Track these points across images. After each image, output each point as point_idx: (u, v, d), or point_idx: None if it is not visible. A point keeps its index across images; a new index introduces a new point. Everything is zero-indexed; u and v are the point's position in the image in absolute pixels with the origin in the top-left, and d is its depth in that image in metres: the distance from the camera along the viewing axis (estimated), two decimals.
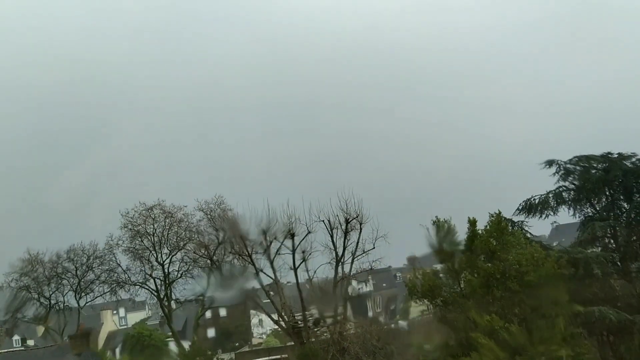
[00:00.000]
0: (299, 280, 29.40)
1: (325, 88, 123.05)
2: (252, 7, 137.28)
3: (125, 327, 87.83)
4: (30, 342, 72.90)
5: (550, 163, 25.12)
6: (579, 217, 25.23)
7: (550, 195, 24.84)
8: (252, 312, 68.46)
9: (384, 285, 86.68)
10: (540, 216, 24.69)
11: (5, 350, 54.02)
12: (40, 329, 64.85)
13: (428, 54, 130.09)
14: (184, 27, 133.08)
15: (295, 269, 28.67)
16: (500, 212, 19.67)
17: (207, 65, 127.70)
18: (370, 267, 29.95)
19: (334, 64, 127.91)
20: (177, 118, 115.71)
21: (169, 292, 44.55)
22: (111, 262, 44.52)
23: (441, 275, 20.30)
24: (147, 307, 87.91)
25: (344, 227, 28.77)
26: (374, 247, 28.47)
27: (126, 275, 44.20)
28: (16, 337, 76.13)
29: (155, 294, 44.50)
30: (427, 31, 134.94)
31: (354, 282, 38.10)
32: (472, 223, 19.36)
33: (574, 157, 25.09)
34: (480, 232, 19.07)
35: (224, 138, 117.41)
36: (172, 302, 45.82)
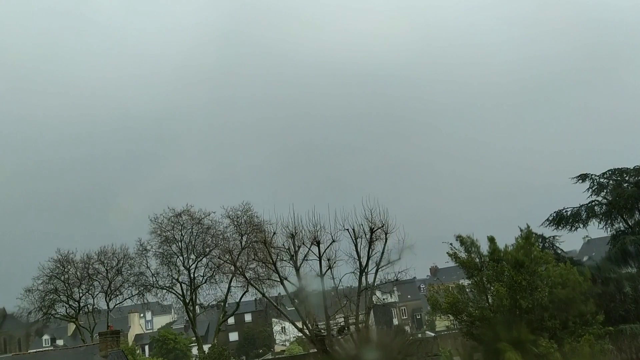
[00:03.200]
0: (324, 288, 29.36)
1: (356, 104, 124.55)
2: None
3: (151, 330, 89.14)
4: (60, 342, 74.65)
5: (583, 177, 24.59)
6: (610, 231, 24.71)
7: (583, 208, 24.39)
8: (274, 320, 68.69)
9: (409, 296, 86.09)
10: (571, 229, 24.27)
11: (35, 350, 55.49)
12: (71, 328, 66.05)
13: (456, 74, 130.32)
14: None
15: (321, 276, 28.65)
16: (529, 227, 19.46)
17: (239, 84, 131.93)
18: (395, 277, 29.75)
19: (368, 84, 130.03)
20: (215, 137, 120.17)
21: (194, 296, 45.05)
22: (141, 266, 45.27)
23: (468, 290, 20.08)
24: (172, 311, 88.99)
25: (368, 236, 28.65)
26: (399, 258, 28.26)
27: (154, 278, 44.88)
28: (46, 337, 78.11)
29: (181, 298, 45.04)
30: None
31: (378, 293, 37.91)
32: (492, 240, 19.18)
33: (608, 170, 24.59)
34: (505, 247, 18.87)
35: (253, 152, 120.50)
36: (197, 307, 46.22)
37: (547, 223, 24.56)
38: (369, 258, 28.67)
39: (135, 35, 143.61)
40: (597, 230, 25.25)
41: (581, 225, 24.50)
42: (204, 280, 44.62)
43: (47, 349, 64.96)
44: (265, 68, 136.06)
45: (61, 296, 45.94)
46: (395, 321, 69.24)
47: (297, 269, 28.94)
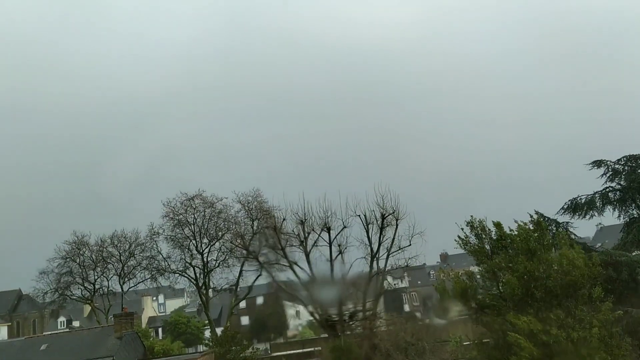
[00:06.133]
0: (335, 274, 29.49)
1: (366, 85, 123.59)
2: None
3: (164, 313, 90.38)
4: (76, 324, 75.97)
5: (598, 164, 24.37)
6: (624, 218, 24.50)
7: (597, 195, 24.19)
8: (288, 303, 69.11)
9: (419, 282, 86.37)
10: (585, 216, 24.12)
11: (50, 332, 56.57)
12: (86, 309, 67.24)
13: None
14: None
15: (331, 261, 28.77)
16: (537, 213, 19.30)
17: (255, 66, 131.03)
18: (406, 264, 29.81)
19: (376, 64, 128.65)
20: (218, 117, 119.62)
21: (207, 280, 45.53)
22: (152, 250, 45.82)
23: (478, 277, 19.96)
24: (185, 294, 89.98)
25: (379, 222, 28.66)
26: (410, 244, 28.31)
27: (166, 262, 45.45)
28: (61, 319, 79.54)
29: (194, 282, 45.58)
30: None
31: (389, 278, 38.02)
32: (498, 226, 18.99)
33: (623, 157, 24.32)
34: (517, 231, 18.66)
35: (261, 136, 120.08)
36: (210, 290, 46.74)
37: (562, 211, 24.41)
38: (380, 244, 28.76)
39: (140, 21, 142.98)
40: (610, 218, 25.07)
41: (596, 214, 24.32)
42: (216, 264, 45.12)
43: (62, 330, 66.24)
44: (274, 47, 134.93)
45: (76, 278, 46.85)
46: (407, 307, 69.60)
47: (307, 255, 29.12)
